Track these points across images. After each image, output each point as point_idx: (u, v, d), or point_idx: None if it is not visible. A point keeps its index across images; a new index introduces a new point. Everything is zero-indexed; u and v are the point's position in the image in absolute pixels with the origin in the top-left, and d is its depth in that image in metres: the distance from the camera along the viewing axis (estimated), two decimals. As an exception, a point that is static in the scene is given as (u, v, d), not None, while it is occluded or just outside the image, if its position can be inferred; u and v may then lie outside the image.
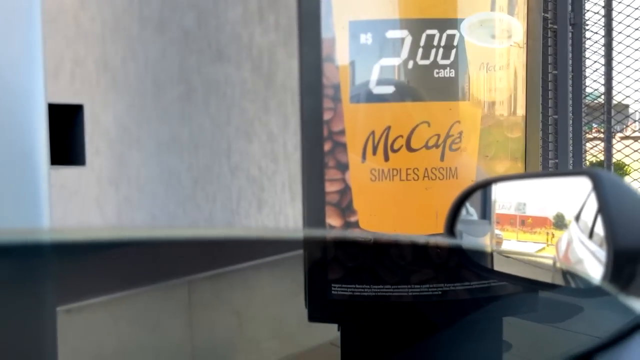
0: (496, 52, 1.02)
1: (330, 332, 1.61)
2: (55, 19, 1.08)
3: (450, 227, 0.54)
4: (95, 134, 1.09)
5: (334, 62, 1.01)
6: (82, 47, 1.12)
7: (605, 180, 0.39)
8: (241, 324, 1.53)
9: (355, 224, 1.04)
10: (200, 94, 1.40)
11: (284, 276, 1.64)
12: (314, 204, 1.04)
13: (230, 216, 1.54)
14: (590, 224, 0.40)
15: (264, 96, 1.59)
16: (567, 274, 0.48)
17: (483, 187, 0.62)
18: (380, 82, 1.00)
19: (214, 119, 1.45)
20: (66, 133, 0.29)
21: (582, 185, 0.41)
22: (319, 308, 1.10)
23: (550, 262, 0.49)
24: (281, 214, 1.68)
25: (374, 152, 1.00)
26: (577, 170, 1.59)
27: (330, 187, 1.02)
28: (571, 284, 0.49)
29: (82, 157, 0.30)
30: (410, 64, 0.98)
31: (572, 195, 0.44)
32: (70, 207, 1.12)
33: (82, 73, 1.10)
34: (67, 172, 0.98)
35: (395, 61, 0.99)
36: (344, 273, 1.05)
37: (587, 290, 0.45)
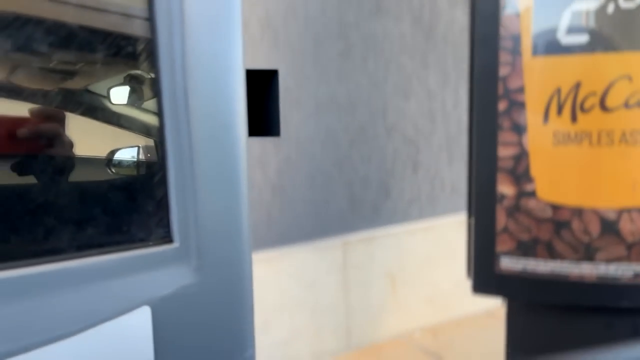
0: None
1: (485, 302, 1.52)
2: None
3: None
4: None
5: (515, 9, 0.89)
6: (246, 7, 1.12)
7: None
8: (394, 287, 1.51)
9: (532, 194, 0.93)
10: (358, 51, 1.35)
11: (439, 242, 1.57)
12: (484, 170, 0.95)
13: (385, 177, 1.49)
14: None
15: (423, 51, 1.50)
16: None
17: None
18: (570, 31, 0.86)
19: (371, 77, 1.39)
20: (258, 101, 0.27)
21: None
22: (485, 280, 1.02)
23: None
24: (437, 178, 1.60)
25: (559, 112, 0.88)
26: None
27: (503, 152, 0.92)
28: None
29: (276, 128, 0.27)
30: (611, 8, 0.83)
31: None
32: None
33: (246, 33, 1.11)
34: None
35: (592, 4, 0.84)
36: (516, 245, 0.95)
37: None
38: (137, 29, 0.28)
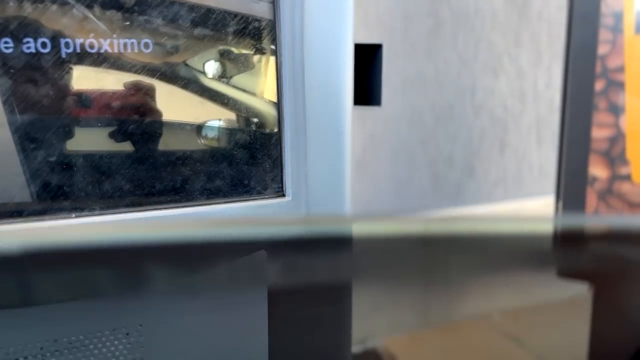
0: None
1: (570, 289, 1.48)
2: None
3: None
4: (346, 71, 1.12)
5: (619, -15, 0.85)
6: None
7: None
8: (474, 266, 1.50)
9: (627, 177, 0.90)
10: (448, 28, 1.34)
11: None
12: (576, 151, 0.93)
13: (470, 157, 1.48)
14: None
15: (516, 28, 1.45)
16: None
17: None
18: (679, 7, 0.82)
19: (461, 55, 1.38)
20: (363, 73, 0.29)
21: None
22: (571, 265, 1.00)
23: None
24: (525, 159, 1.56)
25: (662, 93, 0.84)
26: None
27: (598, 133, 0.90)
28: None
29: (378, 98, 0.30)
30: None
31: None
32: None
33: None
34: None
35: None
36: (606, 230, 0.93)
37: None
38: (259, 9, 0.31)
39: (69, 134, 0.29)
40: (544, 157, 1.56)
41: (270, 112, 0.31)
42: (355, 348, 1.36)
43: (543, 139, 1.56)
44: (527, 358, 1.36)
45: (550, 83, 1.54)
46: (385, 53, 1.32)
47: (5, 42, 0.25)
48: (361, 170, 1.31)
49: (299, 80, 0.30)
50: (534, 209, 1.55)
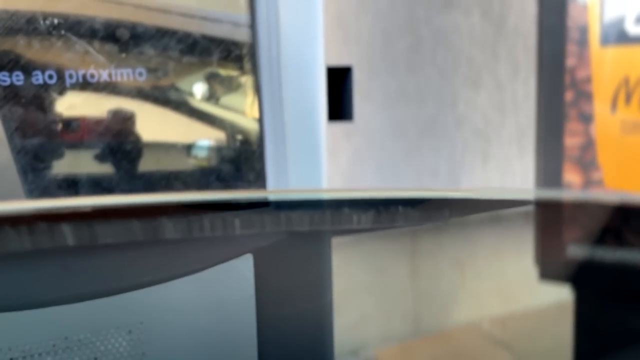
0: None
1: (555, 294, 1.51)
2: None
3: None
4: (330, 88, 1.16)
5: (582, 0, 0.91)
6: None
7: None
8: (463, 277, 1.54)
9: (599, 182, 0.94)
10: (428, 44, 1.39)
11: (508, 233, 1.58)
12: (551, 159, 0.98)
13: (455, 168, 1.52)
14: None
15: (493, 43, 1.51)
16: None
17: None
18: (639, 20, 0.87)
19: (441, 70, 1.43)
20: (335, 91, 0.33)
21: None
22: (552, 267, 1.04)
23: None
24: (508, 170, 1.61)
25: (627, 101, 0.89)
26: None
27: (570, 141, 0.94)
28: None
29: (350, 114, 0.34)
30: (682, -4, 0.83)
31: None
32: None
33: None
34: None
35: (662, -6, 0.85)
36: (583, 234, 0.97)
37: None
38: (240, 35, 0.35)
39: (61, 156, 0.33)
40: (526, 167, 1.60)
41: (252, 129, 0.35)
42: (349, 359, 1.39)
43: (524, 150, 1.61)
44: (515, 362, 1.40)
45: (529, 94, 1.59)
46: (367, 70, 1.37)
47: (17, 75, 0.29)
48: (347, 183, 1.35)
49: (277, 99, 0.34)
50: (516, 217, 1.58)
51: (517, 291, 1.57)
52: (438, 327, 1.51)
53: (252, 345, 0.34)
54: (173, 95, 0.34)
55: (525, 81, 1.58)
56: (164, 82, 0.34)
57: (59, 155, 0.32)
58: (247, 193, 0.33)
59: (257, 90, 0.34)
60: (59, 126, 0.32)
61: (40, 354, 0.30)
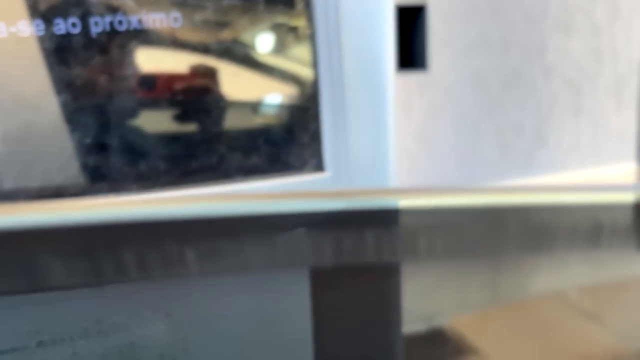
0: None
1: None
2: None
3: None
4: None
5: None
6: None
7: None
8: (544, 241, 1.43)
9: None
10: (514, -15, 1.26)
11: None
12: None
13: (541, 124, 1.40)
14: None
15: (590, -20, 1.35)
16: None
17: None
18: None
19: (528, 12, 1.29)
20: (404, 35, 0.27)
21: None
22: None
23: None
24: (602, 124, 1.46)
25: None
26: None
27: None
28: None
29: (422, 60, 0.28)
30: None
31: None
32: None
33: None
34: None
35: None
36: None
37: None
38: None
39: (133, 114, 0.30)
40: (624, 121, 1.45)
41: (305, 81, 0.29)
42: (420, 326, 1.33)
43: (623, 102, 1.45)
44: (606, 338, 1.28)
45: (631, 39, 1.42)
46: (443, 15, 1.26)
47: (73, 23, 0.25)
48: (422, 143, 1.26)
49: (335, 45, 0.28)
50: (612, 177, 1.45)
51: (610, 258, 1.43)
52: (519, 296, 1.42)
53: (307, 352, 0.30)
54: (221, 45, 0.29)
55: (627, 25, 1.40)
56: (202, 29, 0.29)
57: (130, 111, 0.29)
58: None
59: (311, 34, 0.29)
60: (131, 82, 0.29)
61: (72, 338, 0.27)
